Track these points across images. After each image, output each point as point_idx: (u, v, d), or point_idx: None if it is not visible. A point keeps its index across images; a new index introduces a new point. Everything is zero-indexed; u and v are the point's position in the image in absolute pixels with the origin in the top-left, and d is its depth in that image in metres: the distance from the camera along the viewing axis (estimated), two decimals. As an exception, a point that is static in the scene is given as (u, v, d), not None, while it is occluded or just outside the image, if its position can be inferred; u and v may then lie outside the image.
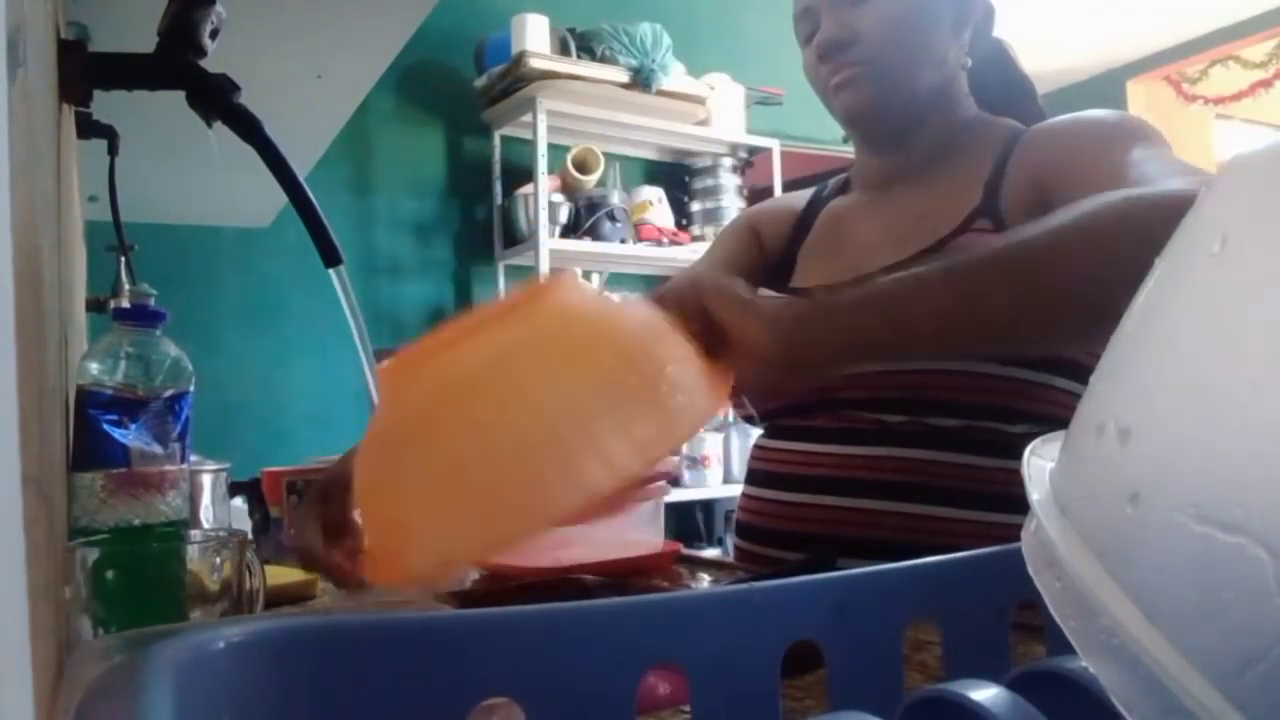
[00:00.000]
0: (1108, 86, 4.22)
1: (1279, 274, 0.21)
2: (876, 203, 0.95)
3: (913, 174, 0.91)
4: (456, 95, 2.96)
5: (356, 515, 0.65)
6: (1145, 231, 0.58)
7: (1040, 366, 0.79)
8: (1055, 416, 0.80)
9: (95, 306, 1.38)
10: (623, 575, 0.81)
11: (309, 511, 0.68)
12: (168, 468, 0.69)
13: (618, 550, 0.88)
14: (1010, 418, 0.80)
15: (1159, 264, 0.26)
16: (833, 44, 0.86)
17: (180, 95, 0.76)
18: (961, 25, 0.88)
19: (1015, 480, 0.95)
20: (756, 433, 0.99)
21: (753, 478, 0.95)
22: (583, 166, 2.94)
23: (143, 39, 0.76)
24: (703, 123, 3.11)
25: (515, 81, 2.77)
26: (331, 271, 0.75)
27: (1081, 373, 0.80)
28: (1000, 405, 0.79)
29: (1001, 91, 0.94)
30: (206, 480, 0.93)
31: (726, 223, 3.17)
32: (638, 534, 0.92)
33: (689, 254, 2.90)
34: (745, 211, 1.13)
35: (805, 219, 1.03)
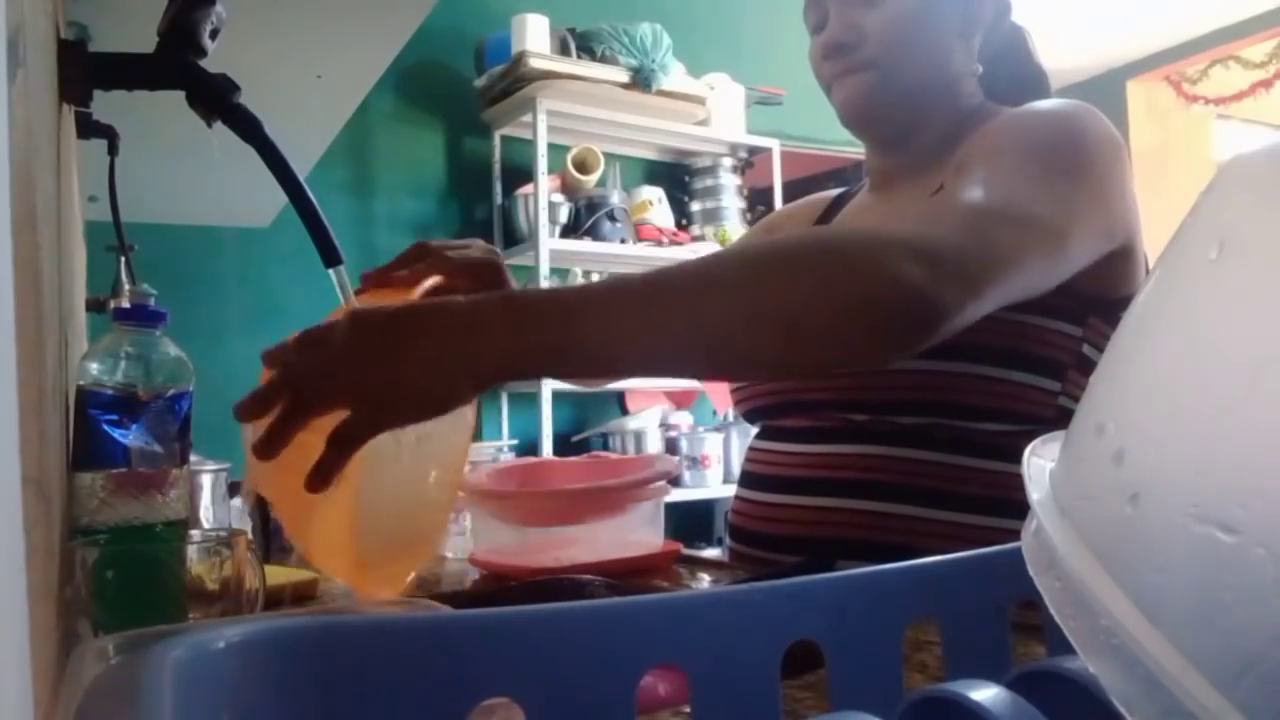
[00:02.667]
0: (1108, 86, 4.22)
1: (1278, 277, 0.21)
2: (881, 201, 0.95)
3: (914, 172, 0.90)
4: (456, 95, 2.96)
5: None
6: (793, 276, 0.60)
7: (999, 361, 0.79)
8: (1017, 411, 0.80)
9: (95, 306, 1.38)
10: (623, 575, 0.81)
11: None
12: (168, 468, 0.69)
13: (618, 550, 0.88)
14: (972, 414, 0.80)
15: (1158, 265, 0.26)
16: (837, 46, 0.85)
17: (180, 95, 0.76)
18: (970, 29, 0.87)
19: (981, 479, 0.96)
20: (754, 432, 0.99)
21: (740, 479, 0.96)
22: (583, 166, 2.94)
23: (143, 39, 0.76)
24: (702, 122, 3.11)
25: (515, 81, 2.77)
26: (331, 271, 0.75)
27: (1045, 366, 0.80)
28: (959, 402, 0.80)
29: (1010, 82, 0.93)
30: (206, 480, 0.93)
31: (726, 222, 3.18)
32: (638, 534, 0.92)
33: (689, 254, 2.90)
34: (771, 215, 1.15)
35: (824, 219, 1.03)
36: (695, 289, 0.59)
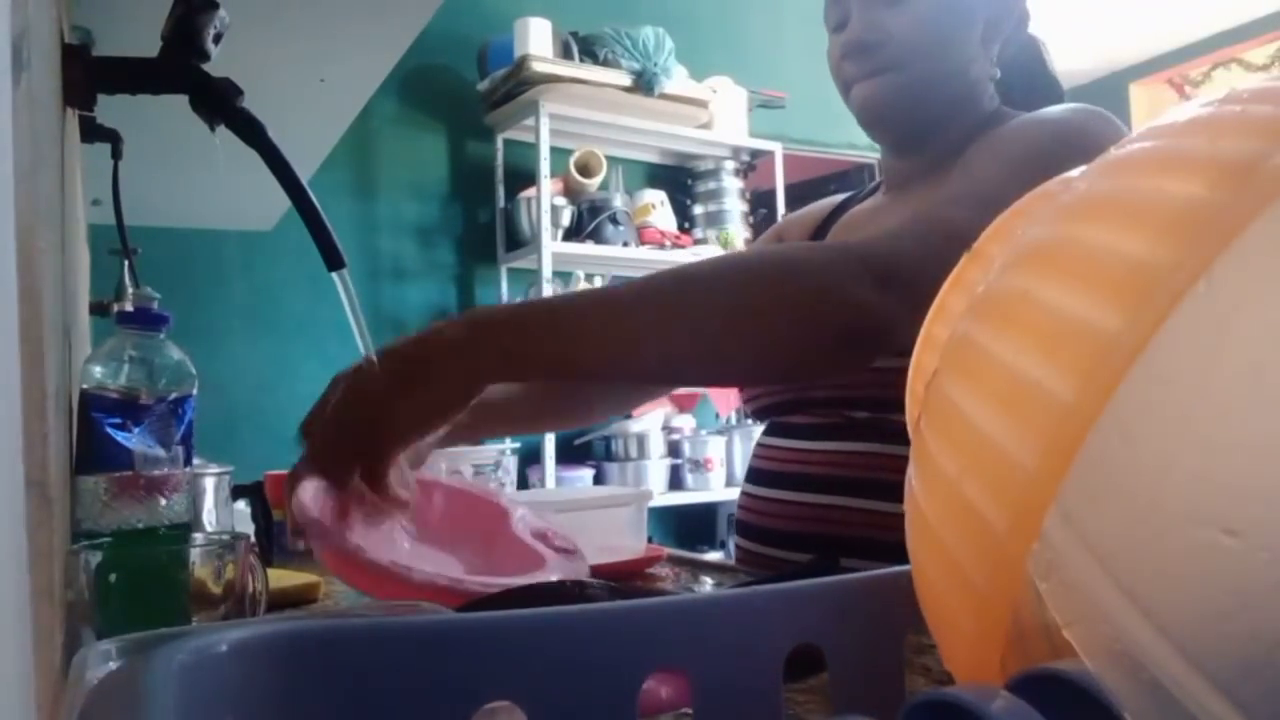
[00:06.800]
0: (1111, 89, 4.22)
1: (1277, 280, 0.21)
2: (896, 202, 0.94)
3: (929, 174, 0.89)
4: (459, 99, 2.97)
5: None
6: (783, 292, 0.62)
7: None
8: None
9: (99, 310, 1.38)
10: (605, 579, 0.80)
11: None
12: (171, 471, 0.69)
13: (599, 556, 0.88)
14: None
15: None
16: (860, 45, 0.84)
17: (184, 99, 0.76)
18: (992, 36, 0.87)
19: None
20: (758, 434, 1.00)
21: (748, 475, 0.97)
22: (585, 170, 2.94)
23: (146, 43, 0.77)
24: (705, 126, 3.12)
25: (518, 85, 2.77)
26: (334, 275, 0.75)
27: None
28: None
29: (1024, 91, 0.92)
30: (209, 483, 0.93)
31: (728, 226, 3.17)
32: (620, 539, 0.91)
33: (691, 257, 2.90)
34: (779, 223, 1.15)
35: (825, 225, 1.03)
36: (662, 304, 0.62)
